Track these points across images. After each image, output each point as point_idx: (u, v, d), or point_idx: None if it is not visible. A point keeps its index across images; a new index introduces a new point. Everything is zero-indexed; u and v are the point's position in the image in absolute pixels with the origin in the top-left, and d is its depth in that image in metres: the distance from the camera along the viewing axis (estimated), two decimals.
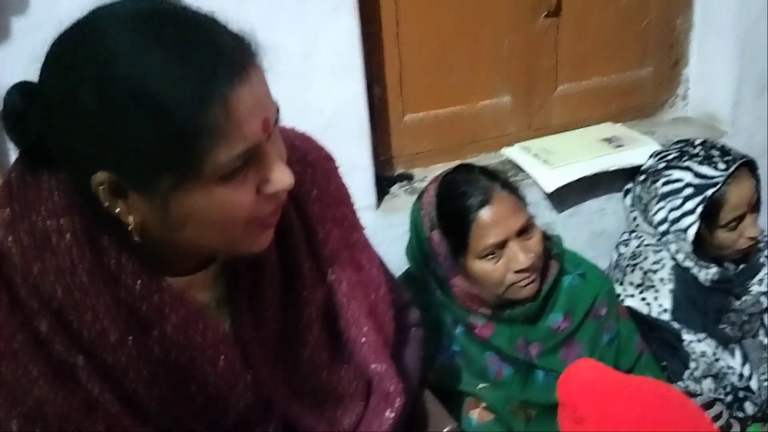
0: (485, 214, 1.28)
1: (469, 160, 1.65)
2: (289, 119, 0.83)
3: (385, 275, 1.02)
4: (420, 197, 1.40)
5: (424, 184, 1.44)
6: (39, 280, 0.70)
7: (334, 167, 0.95)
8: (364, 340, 0.92)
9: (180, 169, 0.65)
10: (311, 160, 0.91)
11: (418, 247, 1.39)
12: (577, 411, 1.01)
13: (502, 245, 1.29)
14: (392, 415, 0.91)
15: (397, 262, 1.51)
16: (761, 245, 1.64)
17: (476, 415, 1.33)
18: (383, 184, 1.65)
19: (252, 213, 0.71)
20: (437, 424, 1.07)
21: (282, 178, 0.71)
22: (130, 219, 0.69)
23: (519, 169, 1.69)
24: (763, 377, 1.59)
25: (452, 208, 1.32)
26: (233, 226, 0.71)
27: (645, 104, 1.95)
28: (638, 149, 1.71)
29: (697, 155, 1.54)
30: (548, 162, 1.67)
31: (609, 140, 1.77)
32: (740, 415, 1.58)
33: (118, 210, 0.69)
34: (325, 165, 0.93)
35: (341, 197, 0.95)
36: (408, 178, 1.69)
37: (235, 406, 0.83)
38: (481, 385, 1.35)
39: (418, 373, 1.09)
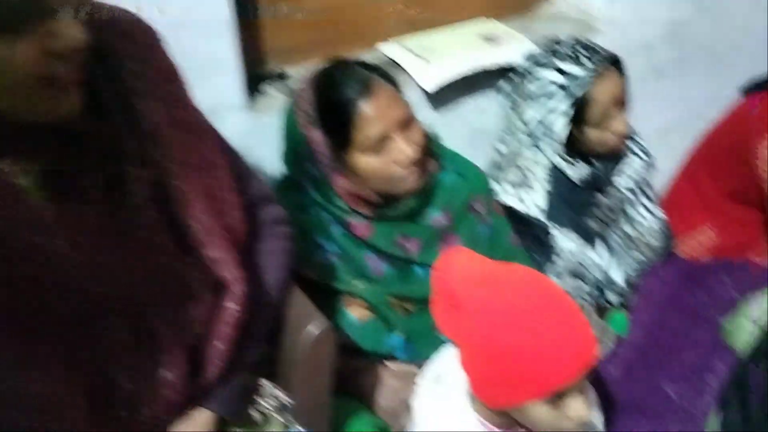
0: (367, 105, 1.24)
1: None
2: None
3: (232, 163, 0.97)
4: (294, 94, 1.33)
5: (298, 83, 1.36)
6: None
7: (157, 42, 0.89)
8: (194, 222, 0.88)
9: None
10: (129, 33, 0.85)
11: (293, 148, 1.33)
12: (453, 298, 1.02)
13: (386, 138, 1.26)
14: (236, 307, 0.88)
15: (272, 164, 1.46)
16: (630, 142, 1.70)
17: (356, 313, 1.33)
18: (254, 82, 1.55)
19: (41, 72, 0.67)
20: (306, 321, 1.05)
21: (67, 32, 0.68)
22: None
23: (396, 66, 1.64)
24: (626, 266, 1.68)
25: (331, 101, 1.27)
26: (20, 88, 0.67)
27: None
28: (515, 47, 1.69)
29: (564, 55, 1.55)
30: (426, 59, 1.63)
31: (487, 38, 1.75)
32: (604, 304, 1.68)
33: None
34: (146, 39, 0.87)
35: (166, 73, 0.89)
36: (281, 76, 1.60)
37: (69, 298, 0.77)
38: (359, 283, 1.34)
39: (281, 272, 1.06)
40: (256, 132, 1.46)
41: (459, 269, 1.04)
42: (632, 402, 1.44)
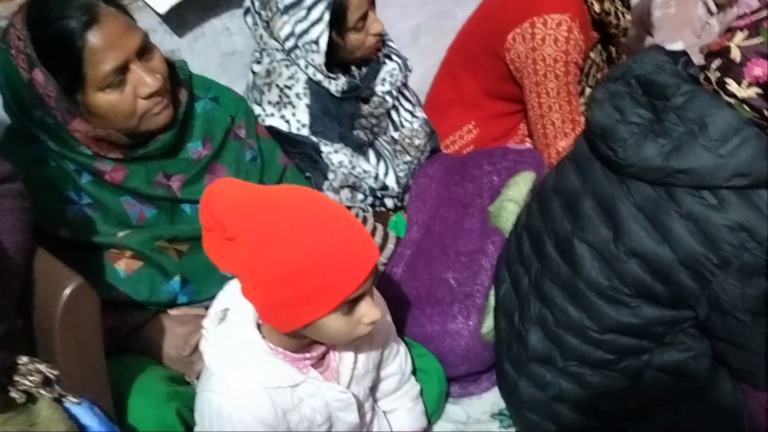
0: (95, 36, 1.11)
1: None
2: None
3: None
4: (4, 35, 1.15)
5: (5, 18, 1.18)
6: None
7: None
8: None
9: None
10: None
11: (15, 95, 1.16)
12: (225, 231, 0.97)
13: (123, 70, 1.14)
14: None
15: None
16: (383, 47, 1.71)
17: (123, 265, 1.23)
18: None
19: None
20: (57, 283, 0.93)
21: None
22: None
23: None
24: (397, 169, 1.72)
25: (51, 37, 1.11)
26: None
27: None
28: None
29: None
30: None
31: None
32: (382, 209, 1.72)
33: None
34: None
35: None
36: None
37: None
38: (121, 233, 1.23)
39: (17, 235, 0.94)
40: None
41: (226, 200, 0.99)
42: (419, 296, 1.50)
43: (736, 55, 1.06)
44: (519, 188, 1.65)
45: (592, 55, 1.90)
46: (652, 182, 1.09)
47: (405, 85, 1.80)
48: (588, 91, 1.94)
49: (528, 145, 1.94)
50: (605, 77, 1.23)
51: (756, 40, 1.04)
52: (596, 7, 1.78)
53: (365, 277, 0.99)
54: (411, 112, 1.79)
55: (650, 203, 1.10)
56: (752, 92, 1.05)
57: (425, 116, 1.84)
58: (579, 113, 1.82)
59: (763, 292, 1.08)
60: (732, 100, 1.06)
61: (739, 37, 1.06)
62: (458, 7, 2.05)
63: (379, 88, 1.67)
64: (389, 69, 1.70)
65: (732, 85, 1.06)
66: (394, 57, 1.73)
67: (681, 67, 1.12)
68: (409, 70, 1.78)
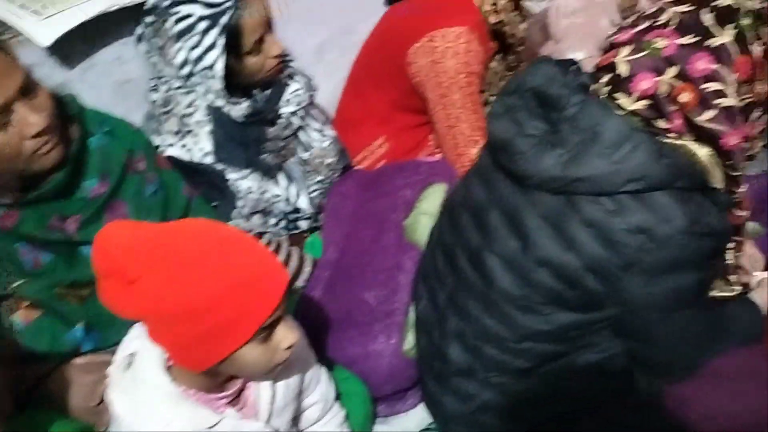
0: None
1: None
2: None
3: None
4: None
5: None
6: None
7: None
8: None
9: None
10: None
11: None
12: (127, 273, 0.93)
13: (5, 111, 1.08)
14: None
15: None
16: (286, 67, 1.69)
17: (20, 316, 1.16)
18: None
19: None
20: None
21: None
22: None
23: (3, 25, 1.41)
24: (310, 190, 1.70)
25: None
26: None
27: None
28: None
29: None
30: (37, 12, 1.41)
31: None
32: (297, 232, 1.69)
33: None
34: None
35: None
36: None
37: None
38: (16, 283, 1.16)
39: None
40: None
41: (121, 242, 0.94)
42: (339, 318, 1.48)
43: (622, 69, 1.09)
44: (432, 201, 1.66)
45: (493, 64, 1.93)
46: (554, 192, 1.11)
47: (312, 104, 1.78)
48: (492, 99, 1.97)
49: (439, 156, 1.95)
50: (502, 90, 1.24)
51: (640, 54, 1.07)
52: (492, 18, 1.81)
53: (278, 300, 0.97)
54: (320, 131, 1.78)
55: (553, 212, 1.12)
56: (641, 105, 1.08)
57: (335, 134, 1.83)
58: (484, 122, 1.84)
59: (667, 290, 1.11)
60: (622, 113, 1.09)
61: (624, 52, 1.09)
62: (360, 23, 2.05)
63: (285, 110, 1.65)
64: (293, 90, 1.67)
65: (621, 99, 1.09)
66: (297, 77, 1.71)
67: (571, 77, 1.14)
68: (315, 89, 1.76)
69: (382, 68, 1.92)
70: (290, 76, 1.69)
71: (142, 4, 1.51)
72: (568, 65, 1.16)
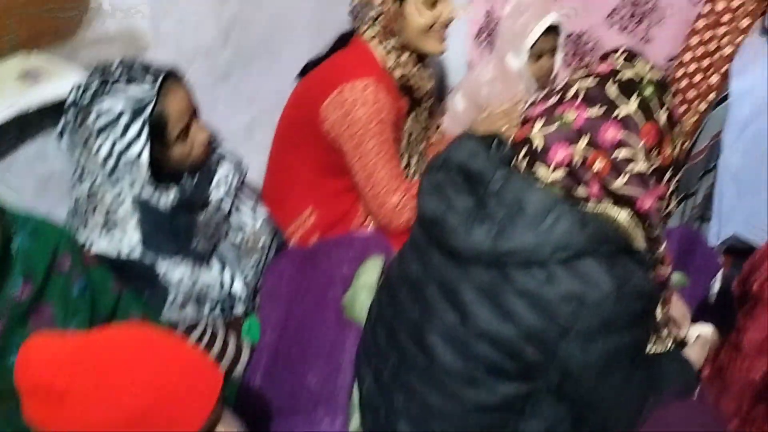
0: None
1: None
2: None
3: None
4: None
5: None
6: None
7: None
8: None
9: None
10: None
11: None
12: (54, 388, 0.89)
13: None
14: None
15: None
16: (212, 151, 1.68)
17: None
18: None
19: None
20: None
21: None
22: None
23: None
24: (244, 273, 1.68)
25: None
26: None
27: (58, 25, 1.74)
28: (59, 81, 1.54)
29: (119, 79, 1.45)
30: None
31: (27, 74, 1.56)
32: (233, 318, 1.66)
33: None
34: None
35: None
36: None
37: None
38: None
39: None
40: None
41: (46, 357, 0.92)
42: (281, 406, 1.45)
43: (538, 143, 1.13)
44: (370, 274, 1.66)
45: (408, 123, 1.99)
46: (487, 265, 1.13)
47: (242, 184, 1.78)
48: (413, 161, 2.03)
49: (371, 229, 1.97)
50: (428, 166, 1.27)
51: (553, 127, 1.12)
52: (396, 73, 1.88)
53: (213, 404, 0.95)
54: (252, 212, 1.77)
55: (488, 285, 1.14)
56: (558, 175, 1.12)
57: (267, 213, 1.82)
58: (401, 171, 1.90)
59: (603, 352, 1.14)
60: (542, 185, 1.13)
61: (538, 125, 1.14)
62: (287, 98, 2.08)
63: (215, 195, 1.64)
64: (223, 173, 1.67)
65: (540, 171, 1.14)
66: (226, 160, 1.71)
67: (493, 152, 1.18)
68: (245, 170, 1.76)
69: (300, 133, 1.94)
70: (219, 161, 1.69)
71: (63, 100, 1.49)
72: (491, 141, 1.20)
